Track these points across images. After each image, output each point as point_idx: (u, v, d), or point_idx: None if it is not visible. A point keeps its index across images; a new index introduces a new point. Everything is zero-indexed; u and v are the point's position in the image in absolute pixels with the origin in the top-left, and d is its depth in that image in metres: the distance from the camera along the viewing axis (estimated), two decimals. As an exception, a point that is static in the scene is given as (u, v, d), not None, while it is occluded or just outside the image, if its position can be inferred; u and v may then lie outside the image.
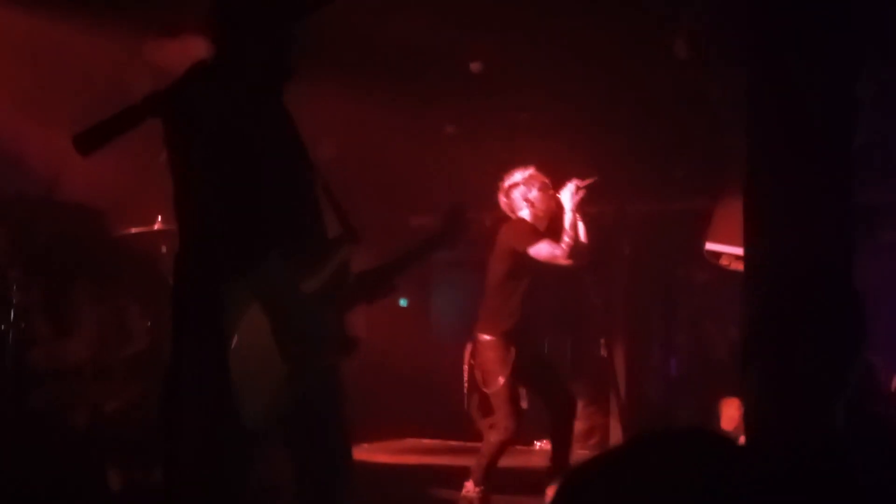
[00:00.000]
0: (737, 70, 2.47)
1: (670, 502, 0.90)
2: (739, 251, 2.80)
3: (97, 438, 3.65)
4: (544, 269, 3.98)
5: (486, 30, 4.48)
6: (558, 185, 4.05)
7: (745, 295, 2.43)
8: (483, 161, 5.68)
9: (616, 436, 5.75)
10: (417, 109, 5.10)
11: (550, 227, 4.05)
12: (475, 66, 4.87)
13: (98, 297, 4.21)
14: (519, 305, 3.97)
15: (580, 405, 4.21)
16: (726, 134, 4.37)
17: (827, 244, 2.23)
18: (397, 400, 6.32)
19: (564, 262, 3.91)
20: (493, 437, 4.02)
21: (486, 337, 3.97)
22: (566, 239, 3.88)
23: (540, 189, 4.02)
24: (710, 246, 4.68)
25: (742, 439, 5.63)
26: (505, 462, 4.11)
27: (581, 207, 3.98)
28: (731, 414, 5.58)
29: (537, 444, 5.70)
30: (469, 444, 6.03)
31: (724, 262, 4.68)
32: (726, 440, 0.96)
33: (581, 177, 4.01)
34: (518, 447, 5.77)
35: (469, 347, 4.07)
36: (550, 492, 5.15)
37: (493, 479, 4.06)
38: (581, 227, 3.98)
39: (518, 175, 4.05)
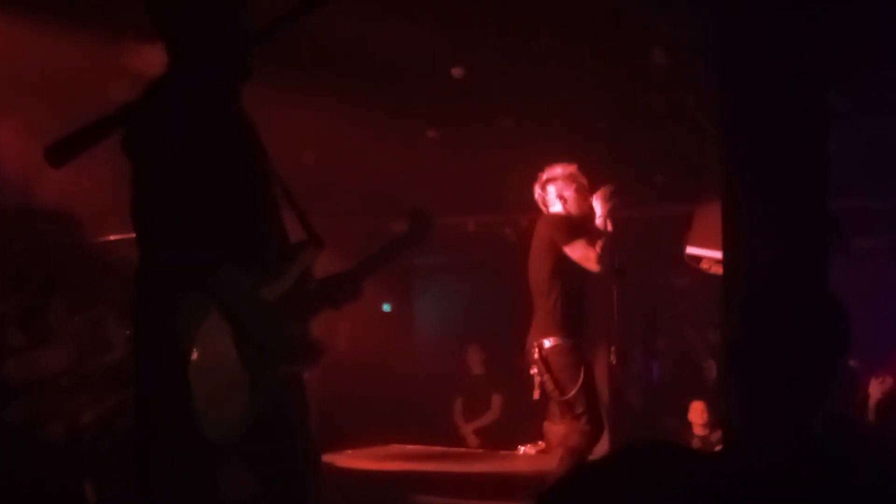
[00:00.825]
0: (712, 77, 2.49)
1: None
2: (719, 255, 2.82)
3: (74, 451, 3.60)
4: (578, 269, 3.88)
5: (467, 35, 4.48)
6: (593, 188, 3.98)
7: (724, 302, 2.45)
8: (464, 166, 5.70)
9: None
10: (398, 114, 5.10)
11: (579, 225, 3.96)
12: (456, 71, 4.87)
13: (75, 307, 4.16)
14: (573, 302, 3.84)
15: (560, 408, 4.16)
16: (705, 140, 4.41)
17: (803, 252, 2.25)
18: (381, 406, 6.30)
19: (594, 267, 3.82)
20: (577, 442, 3.76)
21: (552, 341, 3.79)
22: (598, 244, 3.80)
23: (576, 190, 3.97)
24: (690, 250, 4.71)
25: (713, 437, 5.64)
26: (488, 467, 4.12)
27: (614, 213, 3.90)
28: (697, 417, 5.66)
29: (521, 449, 5.71)
30: (453, 450, 6.03)
31: (703, 265, 4.71)
32: (693, 452, 0.96)
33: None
34: (501, 452, 5.79)
35: (533, 357, 3.83)
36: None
37: (476, 485, 4.04)
38: (611, 234, 3.86)
39: (559, 170, 4.00)
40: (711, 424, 5.53)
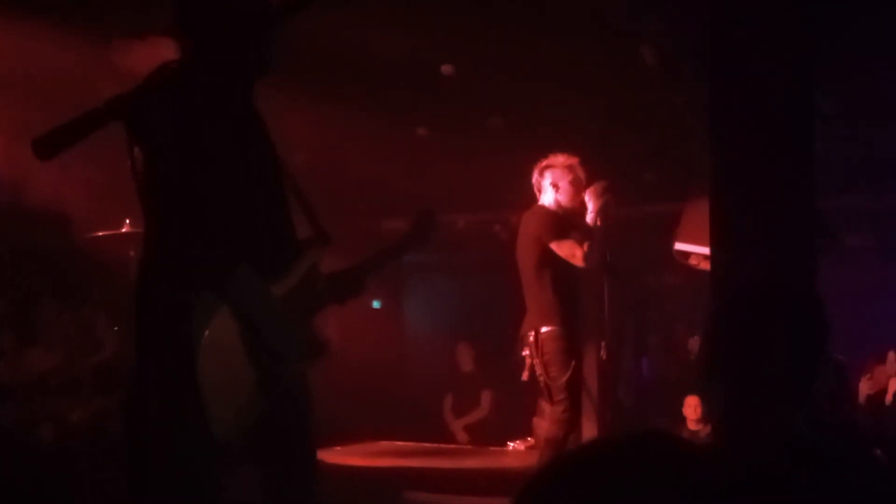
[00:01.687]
0: (701, 77, 2.50)
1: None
2: (708, 251, 2.83)
3: (64, 451, 3.58)
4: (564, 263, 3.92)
5: (457, 34, 4.48)
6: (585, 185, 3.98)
7: (711, 300, 2.46)
8: (454, 164, 5.70)
9: (590, 436, 5.78)
10: (388, 112, 5.09)
11: (567, 221, 3.99)
12: (446, 69, 4.87)
13: (64, 306, 4.14)
14: (565, 293, 3.89)
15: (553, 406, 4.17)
16: (694, 139, 4.42)
17: (792, 250, 2.26)
18: (371, 402, 6.30)
19: (580, 263, 3.86)
20: (554, 431, 3.86)
21: (548, 328, 3.85)
22: (586, 242, 3.83)
23: (571, 182, 3.98)
24: (679, 246, 4.72)
25: (705, 432, 5.67)
26: (477, 463, 4.12)
27: (606, 210, 3.93)
28: (691, 412, 5.69)
29: (510, 445, 5.72)
30: (443, 447, 6.04)
31: (692, 261, 4.73)
32: (684, 442, 0.97)
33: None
34: (491, 448, 5.81)
35: (528, 342, 3.90)
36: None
37: (466, 480, 4.05)
38: (600, 230, 3.90)
39: (560, 159, 4.01)
40: (705, 419, 5.56)
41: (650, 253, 5.81)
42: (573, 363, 3.83)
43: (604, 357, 4.68)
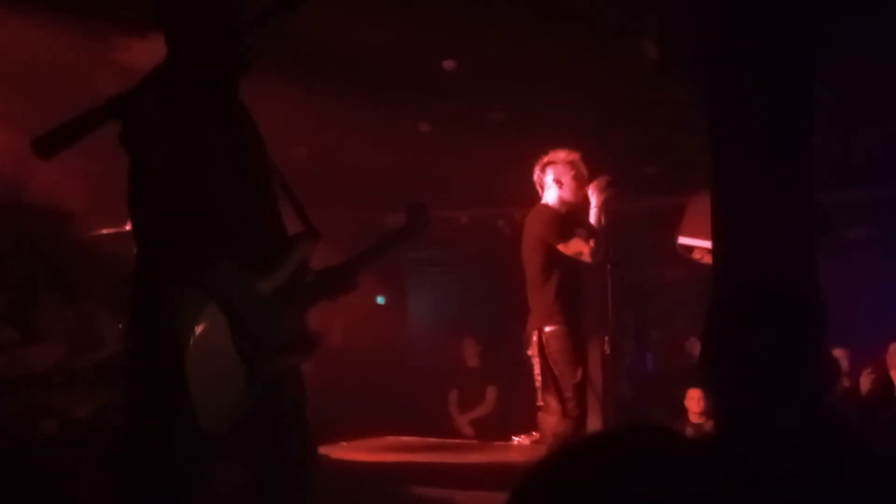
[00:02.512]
0: (701, 70, 2.50)
1: (623, 500, 0.91)
2: (710, 245, 2.83)
3: (66, 447, 3.60)
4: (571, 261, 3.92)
5: (458, 29, 4.48)
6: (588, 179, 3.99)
7: (712, 293, 2.46)
8: (457, 159, 5.70)
9: (594, 429, 5.79)
10: (390, 108, 5.09)
11: (571, 218, 3.99)
12: (448, 64, 4.87)
13: (67, 301, 4.15)
14: (570, 292, 3.90)
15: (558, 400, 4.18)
16: (695, 133, 4.41)
17: (792, 244, 2.26)
18: (376, 397, 6.31)
19: (588, 260, 3.86)
20: (562, 426, 3.87)
21: (551, 327, 3.86)
22: (592, 238, 3.84)
23: (574, 177, 3.98)
24: (683, 240, 4.71)
25: (707, 425, 5.67)
26: (483, 457, 4.12)
27: (609, 205, 3.92)
28: (694, 405, 5.70)
29: (515, 440, 5.73)
30: (448, 441, 6.05)
31: (695, 255, 4.72)
32: (680, 435, 0.97)
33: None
34: (496, 443, 5.81)
35: (532, 341, 3.91)
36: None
37: (471, 475, 4.06)
38: (602, 225, 3.90)
39: (561, 155, 4.01)
40: (707, 412, 5.56)
41: (653, 246, 5.80)
42: (581, 364, 3.84)
43: (607, 352, 4.69)
